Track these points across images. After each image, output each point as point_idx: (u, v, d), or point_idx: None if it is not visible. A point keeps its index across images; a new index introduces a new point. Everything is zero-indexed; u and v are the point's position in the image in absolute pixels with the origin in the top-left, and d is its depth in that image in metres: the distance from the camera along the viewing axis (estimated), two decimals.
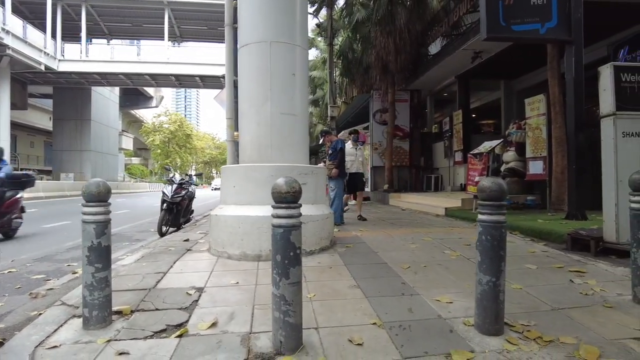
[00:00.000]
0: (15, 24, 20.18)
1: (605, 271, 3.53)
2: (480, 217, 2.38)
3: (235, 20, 5.57)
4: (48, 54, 22.90)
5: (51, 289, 3.50)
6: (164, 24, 25.38)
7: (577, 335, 2.26)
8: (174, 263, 3.84)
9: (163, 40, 26.02)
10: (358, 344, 2.18)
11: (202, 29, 28.58)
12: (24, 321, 2.72)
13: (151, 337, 2.31)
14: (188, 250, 4.48)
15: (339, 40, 17.84)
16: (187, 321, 2.49)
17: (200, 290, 3.05)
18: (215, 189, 41.13)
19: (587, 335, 2.27)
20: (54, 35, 23.41)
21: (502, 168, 7.95)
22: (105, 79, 26.90)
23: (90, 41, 26.79)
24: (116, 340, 2.27)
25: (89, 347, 2.19)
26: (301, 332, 2.16)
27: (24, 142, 37.87)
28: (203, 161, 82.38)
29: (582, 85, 5.55)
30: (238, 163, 4.78)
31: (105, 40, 28.52)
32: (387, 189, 11.86)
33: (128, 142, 54.57)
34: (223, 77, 20.43)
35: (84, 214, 2.48)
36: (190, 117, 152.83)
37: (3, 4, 19.09)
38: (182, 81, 27.36)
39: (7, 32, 19.41)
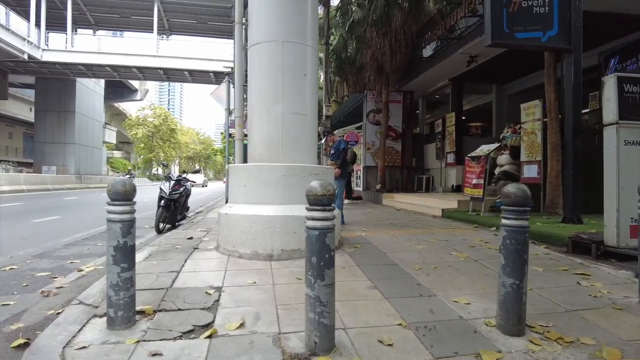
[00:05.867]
0: None
1: (609, 274, 3.65)
2: (504, 221, 2.46)
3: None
4: (31, 43, 22.26)
5: (61, 287, 3.45)
6: (153, 17, 24.94)
7: (596, 337, 2.35)
8: (185, 262, 3.82)
9: (151, 32, 25.58)
10: (388, 345, 2.22)
11: (191, 22, 28.17)
12: (43, 320, 2.68)
13: (180, 337, 2.30)
14: (195, 248, 4.45)
15: (332, 39, 17.85)
16: (213, 321, 2.49)
17: (219, 289, 3.05)
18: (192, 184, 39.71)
19: (605, 337, 2.36)
20: (37, 24, 22.76)
21: (496, 171, 8.09)
22: (91, 70, 26.30)
23: (76, 31, 26.14)
24: (145, 340, 2.25)
25: (119, 348, 2.17)
26: (334, 333, 2.19)
27: (3, 133, 36.77)
28: (186, 156, 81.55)
29: (580, 93, 5.71)
30: (246, 162, 4.77)
31: (91, 31, 27.85)
32: (380, 188, 11.95)
33: (111, 135, 53.55)
34: (213, 72, 20.20)
35: (110, 212, 2.44)
36: (174, 111, 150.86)
37: None
38: (170, 75, 26.98)
39: None
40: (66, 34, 23.91)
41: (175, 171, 53.20)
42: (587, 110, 7.85)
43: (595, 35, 7.75)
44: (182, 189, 7.11)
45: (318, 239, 2.14)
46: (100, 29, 28.67)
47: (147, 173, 67.42)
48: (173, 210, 7.05)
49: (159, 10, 25.11)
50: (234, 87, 7.23)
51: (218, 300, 2.84)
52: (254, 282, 3.22)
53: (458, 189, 11.01)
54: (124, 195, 2.46)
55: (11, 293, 3.30)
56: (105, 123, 47.36)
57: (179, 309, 2.69)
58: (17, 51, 21.10)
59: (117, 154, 70.65)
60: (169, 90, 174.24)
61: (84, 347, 2.18)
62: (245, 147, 6.51)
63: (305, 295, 2.17)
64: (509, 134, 8.05)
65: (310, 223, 2.17)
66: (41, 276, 3.87)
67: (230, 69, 23.57)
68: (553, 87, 6.84)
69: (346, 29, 13.87)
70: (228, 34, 28.09)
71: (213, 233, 5.70)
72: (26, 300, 3.09)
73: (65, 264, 4.46)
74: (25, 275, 3.92)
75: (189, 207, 7.99)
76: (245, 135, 6.49)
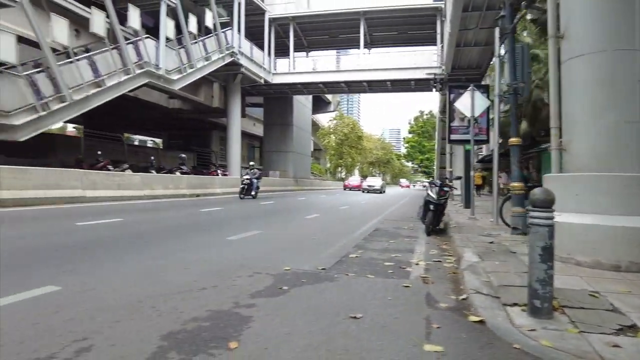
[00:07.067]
0: (246, 46, 24.31)
1: None
2: None
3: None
4: (266, 69, 26.92)
5: (426, 276, 4.16)
6: (358, 33, 27.18)
7: None
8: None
9: (356, 48, 27.96)
10: None
11: (392, 34, 29.70)
12: (457, 303, 3.29)
13: (616, 334, 2.55)
14: (512, 252, 4.77)
15: None
16: (634, 324, 2.67)
17: (598, 294, 3.23)
18: (366, 190, 33.23)
19: None
20: (269, 53, 27.38)
21: None
22: (307, 88, 30.25)
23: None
24: (585, 332, 2.57)
25: (567, 335, 2.52)
26: None
27: None
28: (368, 162, 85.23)
29: None
30: (560, 171, 4.86)
31: (304, 53, 32.07)
32: None
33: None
34: (414, 80, 20.49)
35: (536, 217, 2.87)
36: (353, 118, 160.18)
37: (239, 31, 23.22)
38: (372, 86, 28.92)
39: (242, 53, 23.58)
40: (289, 58, 28.16)
41: (356, 174, 51.85)
42: None
43: None
44: (447, 195, 7.62)
45: None
46: (312, 50, 32.74)
47: (337, 177, 73.25)
48: (438, 214, 7.61)
49: (364, 27, 27.21)
50: (487, 96, 7.42)
51: (612, 304, 3.02)
52: (629, 291, 3.30)
53: None
54: (549, 203, 2.87)
55: (389, 277, 4.14)
56: None
57: (582, 307, 2.97)
58: (257, 77, 25.88)
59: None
60: (347, 99, 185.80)
61: (532, 330, 2.63)
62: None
63: None
64: None
65: None
66: (390, 265, 4.71)
67: (432, 75, 23.92)
68: None
69: None
70: (428, 40, 28.60)
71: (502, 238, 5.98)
72: (415, 284, 3.84)
73: (391, 256, 5.29)
74: (376, 263, 4.82)
75: (444, 213, 8.48)
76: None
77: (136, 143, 40.47)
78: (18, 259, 4.38)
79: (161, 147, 39.39)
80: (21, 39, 11.84)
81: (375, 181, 35.72)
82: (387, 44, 31.16)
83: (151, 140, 44.32)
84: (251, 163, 18.68)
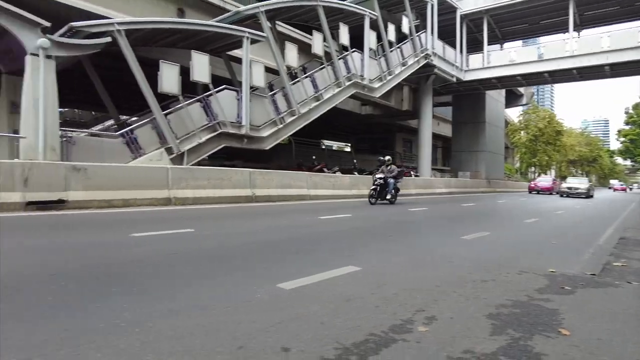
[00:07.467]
0: (438, 46, 24.28)
1: None
2: None
3: None
4: (457, 67, 26.33)
5: None
6: (565, 16, 24.07)
7: None
8: None
9: (562, 33, 24.77)
10: None
11: (610, 10, 25.30)
12: None
13: None
14: None
15: None
16: None
17: None
18: (566, 193, 26.17)
19: None
20: (461, 50, 26.66)
21: None
22: (501, 82, 28.22)
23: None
24: None
25: None
26: None
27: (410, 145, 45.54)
28: (567, 160, 73.68)
29: None
30: None
31: (497, 46, 30.03)
32: None
33: None
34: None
35: None
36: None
37: (432, 32, 23.35)
38: (584, 74, 25.04)
39: (435, 54, 23.68)
40: (482, 53, 26.82)
41: (552, 175, 43.40)
42: None
43: None
44: None
45: None
46: (507, 41, 30.46)
47: (529, 177, 65.98)
48: None
49: (573, 7, 23.93)
50: None
51: None
52: None
53: None
54: None
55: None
56: None
57: None
58: (449, 76, 25.56)
59: None
60: (537, 89, 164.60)
61: None
62: None
63: None
64: None
65: None
66: None
67: None
68: None
69: None
70: None
71: None
72: None
73: None
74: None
75: None
76: None
77: (322, 147, 44.71)
78: (303, 244, 5.58)
79: (348, 151, 42.54)
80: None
81: (580, 182, 28.44)
82: (604, 22, 26.68)
83: (342, 144, 48.14)
84: (387, 157, 13.77)
